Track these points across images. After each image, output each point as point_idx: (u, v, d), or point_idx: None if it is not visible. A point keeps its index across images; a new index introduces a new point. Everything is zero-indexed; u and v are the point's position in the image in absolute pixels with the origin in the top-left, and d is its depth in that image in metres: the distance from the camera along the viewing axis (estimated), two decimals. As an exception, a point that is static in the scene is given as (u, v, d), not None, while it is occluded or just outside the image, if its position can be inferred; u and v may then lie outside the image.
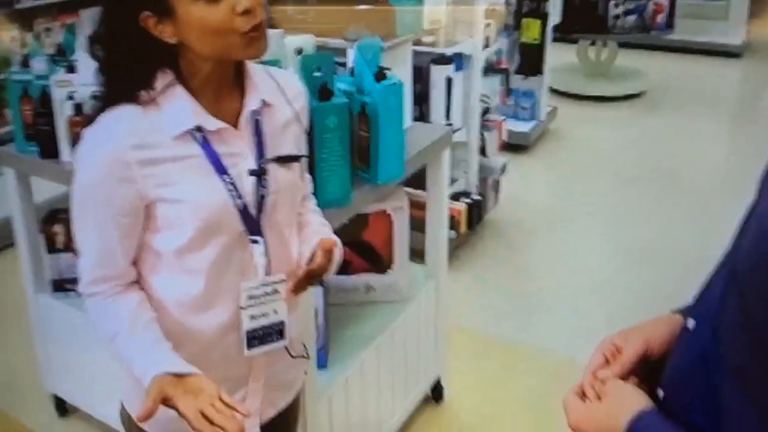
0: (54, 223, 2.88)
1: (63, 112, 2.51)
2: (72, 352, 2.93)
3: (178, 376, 1.44)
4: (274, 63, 2.16)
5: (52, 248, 2.91)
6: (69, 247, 2.87)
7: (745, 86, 7.95)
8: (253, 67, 1.60)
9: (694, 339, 1.04)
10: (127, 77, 1.49)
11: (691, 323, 1.06)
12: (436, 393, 3.25)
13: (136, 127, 1.47)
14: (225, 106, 1.55)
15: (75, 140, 2.46)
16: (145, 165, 1.47)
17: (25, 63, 2.68)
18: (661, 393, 1.09)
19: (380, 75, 2.31)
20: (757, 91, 7.62)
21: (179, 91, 1.49)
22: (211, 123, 1.51)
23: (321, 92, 2.17)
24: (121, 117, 1.48)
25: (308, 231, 1.76)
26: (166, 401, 1.41)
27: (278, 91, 1.63)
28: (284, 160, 1.62)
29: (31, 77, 2.60)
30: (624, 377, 1.15)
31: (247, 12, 1.41)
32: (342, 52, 2.66)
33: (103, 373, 2.49)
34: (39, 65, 2.61)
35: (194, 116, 1.49)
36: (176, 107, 1.49)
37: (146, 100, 1.48)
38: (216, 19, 1.41)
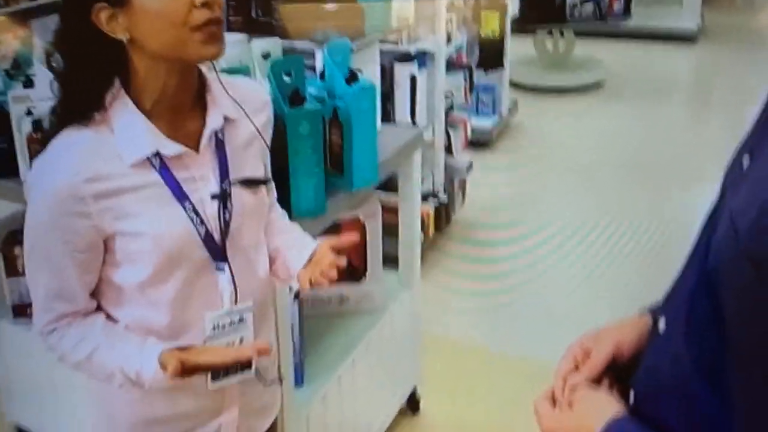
0: (14, 244, 2.76)
1: (21, 129, 2.40)
2: (35, 379, 2.81)
3: (181, 348, 1.42)
4: (242, 70, 2.08)
5: (11, 271, 2.78)
6: (31, 269, 2.76)
7: (700, 71, 8.03)
8: (213, 80, 1.50)
9: (665, 340, 1.02)
10: (78, 91, 1.40)
11: (661, 324, 1.04)
12: (413, 403, 3.18)
13: (89, 158, 1.37)
14: (184, 126, 1.45)
15: (34, 157, 2.35)
16: (101, 198, 1.38)
17: (-23, 78, 2.56)
18: (632, 394, 1.07)
19: (351, 78, 2.24)
20: (712, 76, 7.70)
21: (131, 110, 1.39)
22: (170, 148, 1.41)
23: (292, 98, 2.09)
24: (72, 146, 1.38)
25: (292, 236, 1.72)
26: (184, 365, 1.38)
27: (239, 106, 1.53)
28: (250, 183, 1.54)
29: (-14, 94, 2.48)
30: (595, 381, 1.12)
31: (205, 4, 1.32)
32: (310, 54, 2.58)
33: (68, 401, 2.40)
34: (-7, 81, 2.49)
35: (151, 141, 1.40)
36: (130, 130, 1.39)
37: (98, 121, 1.39)
38: (173, 10, 1.31)
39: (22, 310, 2.79)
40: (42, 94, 2.33)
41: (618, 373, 1.13)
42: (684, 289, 1.00)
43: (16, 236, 2.77)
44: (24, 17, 3.31)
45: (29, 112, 2.38)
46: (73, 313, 1.48)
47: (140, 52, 1.37)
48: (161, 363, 1.39)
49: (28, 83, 2.43)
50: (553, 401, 1.13)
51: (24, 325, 2.79)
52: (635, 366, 1.09)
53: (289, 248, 1.69)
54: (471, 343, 3.69)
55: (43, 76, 2.39)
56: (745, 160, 0.96)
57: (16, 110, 2.41)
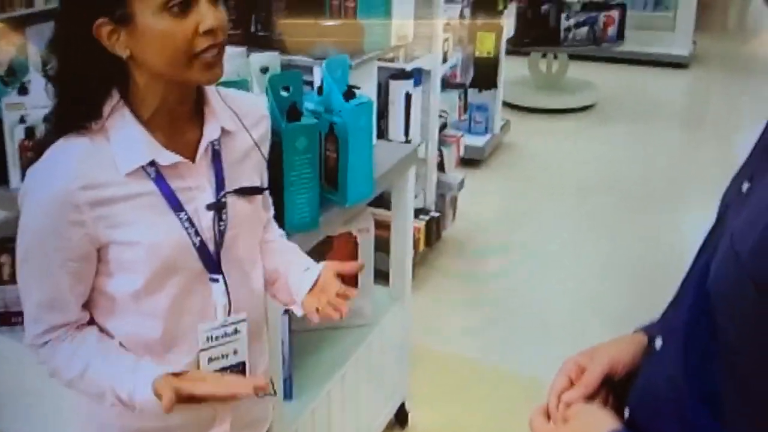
0: (0, 252, 2.73)
1: (13, 137, 2.38)
2: (22, 388, 2.78)
3: (176, 374, 1.39)
4: (241, 83, 2.07)
5: (-3, 279, 2.76)
6: (16, 278, 2.72)
7: (692, 96, 8.07)
8: (211, 92, 1.50)
9: (662, 359, 1.02)
10: (75, 100, 1.38)
11: (658, 342, 1.04)
12: (401, 417, 3.17)
13: (85, 165, 1.36)
14: (181, 136, 1.45)
15: (26, 165, 2.33)
16: (96, 206, 1.36)
17: (-29, 85, 2.53)
18: (627, 413, 1.07)
19: (349, 94, 2.24)
20: (704, 101, 7.74)
21: (129, 119, 1.38)
22: (166, 157, 1.40)
23: (290, 113, 2.08)
24: (68, 153, 1.37)
25: (292, 257, 1.72)
26: (179, 394, 1.35)
27: (237, 117, 1.53)
28: (245, 192, 1.53)
29: (-21, 100, 2.46)
30: (589, 399, 1.12)
31: (209, 32, 1.32)
32: (308, 69, 2.58)
33: (55, 410, 2.37)
34: (-13, 88, 2.47)
35: (147, 150, 1.39)
36: (127, 139, 1.38)
37: (95, 130, 1.37)
38: (177, 34, 1.30)
39: (6, 319, 2.76)
40: (36, 102, 2.31)
41: (612, 391, 1.13)
42: (681, 310, 1.00)
43: (3, 244, 2.74)
44: (19, 24, 3.30)
45: (22, 120, 2.36)
46: (64, 325, 1.46)
47: (140, 68, 1.37)
48: (155, 391, 1.37)
49: (23, 90, 2.41)
50: (548, 416, 1.12)
51: (8, 334, 2.76)
52: (630, 384, 1.09)
53: (289, 270, 1.69)
54: (459, 357, 3.68)
55: (38, 83, 2.37)
56: (745, 185, 0.96)
57: (9, 117, 2.39)
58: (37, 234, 1.40)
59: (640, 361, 1.11)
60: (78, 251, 1.39)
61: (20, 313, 2.71)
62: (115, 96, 1.38)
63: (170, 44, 1.31)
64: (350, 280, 2.73)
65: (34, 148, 2.30)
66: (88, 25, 1.32)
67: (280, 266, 1.70)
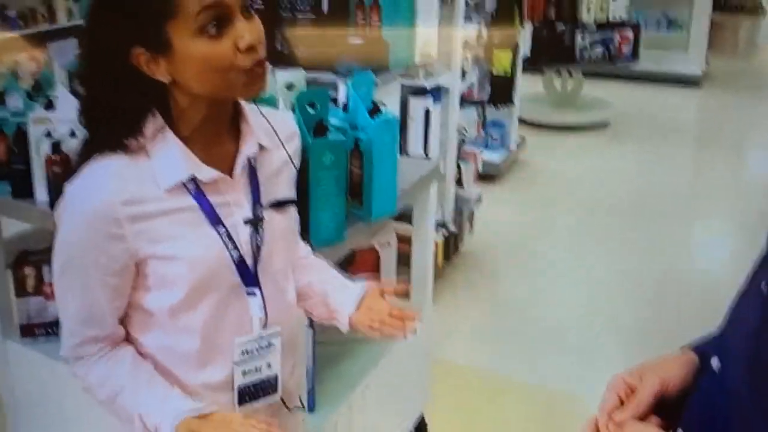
0: (24, 265, 2.74)
1: (39, 151, 2.39)
2: (41, 399, 2.79)
3: (202, 416, 1.39)
4: (269, 100, 2.08)
5: (20, 291, 2.76)
6: (39, 290, 2.73)
7: (705, 113, 8.09)
8: (248, 108, 1.50)
9: (722, 380, 1.00)
10: (113, 122, 1.37)
11: (714, 362, 1.02)
12: (421, 429, 3.16)
13: (125, 181, 1.36)
14: (218, 152, 1.44)
15: (51, 180, 2.34)
16: (136, 221, 1.36)
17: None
18: None
19: (374, 110, 2.25)
20: (716, 119, 7.75)
21: (170, 136, 1.38)
22: (205, 173, 1.40)
23: (316, 129, 2.09)
24: (109, 169, 1.36)
25: (328, 275, 1.75)
26: None
27: (272, 133, 1.53)
28: (280, 204, 1.54)
29: (7, 114, 2.48)
30: (640, 418, 1.09)
31: (249, 48, 1.31)
32: (332, 86, 2.59)
33: (76, 422, 2.37)
34: (14, 101, 2.49)
35: (187, 166, 1.39)
36: (167, 155, 1.38)
37: (135, 148, 1.37)
38: (218, 56, 1.29)
39: (30, 330, 2.77)
40: (62, 116, 2.32)
41: (662, 411, 1.11)
42: (744, 328, 0.98)
43: (26, 256, 2.76)
44: (43, 39, 3.33)
45: (48, 134, 2.37)
46: (100, 339, 1.46)
47: (182, 91, 1.36)
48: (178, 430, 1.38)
49: (49, 105, 2.43)
50: None
51: (31, 345, 2.77)
52: (680, 404, 1.07)
53: (327, 287, 1.72)
54: (477, 370, 3.69)
55: (64, 98, 2.39)
56: None
57: (35, 132, 2.39)
58: (77, 248, 1.39)
59: (692, 380, 1.09)
60: (117, 266, 1.39)
61: (43, 325, 2.77)
62: (158, 117, 1.38)
63: (211, 66, 1.30)
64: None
65: (61, 163, 2.31)
66: (125, 54, 1.31)
67: (315, 283, 1.72)
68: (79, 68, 1.40)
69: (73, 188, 1.39)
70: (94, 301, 1.42)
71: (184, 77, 1.33)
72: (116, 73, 1.34)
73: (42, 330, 2.76)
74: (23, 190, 2.47)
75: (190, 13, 1.27)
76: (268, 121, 1.53)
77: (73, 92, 2.12)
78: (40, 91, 2.58)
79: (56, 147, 2.35)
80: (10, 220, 2.73)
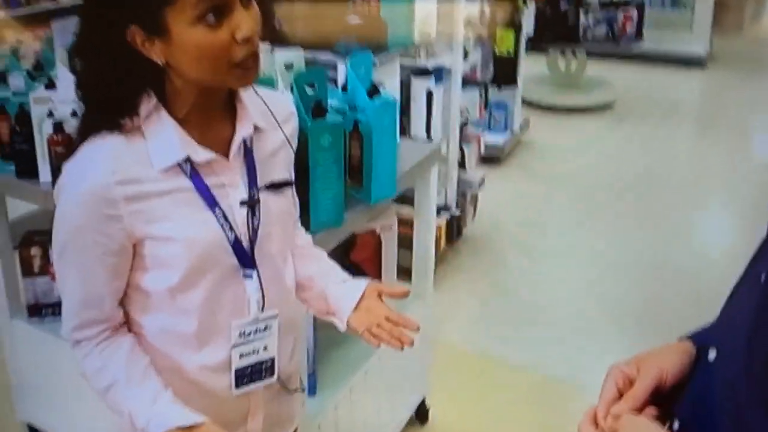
0: (31, 245, 2.76)
1: (42, 131, 2.40)
2: (48, 378, 2.82)
3: (190, 428, 1.40)
4: (267, 81, 2.09)
5: (27, 271, 2.79)
6: (45, 270, 2.76)
7: (709, 95, 8.05)
8: (244, 90, 1.49)
9: (717, 370, 1.00)
10: (109, 100, 1.38)
11: (712, 354, 1.02)
12: (421, 413, 3.19)
13: (121, 161, 1.36)
14: (214, 133, 1.45)
15: (54, 159, 2.36)
16: (132, 201, 1.37)
17: (1, 78, 2.56)
18: (677, 425, 1.05)
19: (373, 91, 2.24)
20: (721, 100, 7.72)
21: (165, 117, 1.39)
22: (200, 154, 1.41)
23: (315, 110, 2.09)
24: (104, 149, 1.37)
25: (326, 267, 1.76)
26: None
27: (269, 114, 1.54)
28: (276, 186, 1.54)
29: (8, 94, 2.49)
30: (638, 409, 1.10)
31: (246, 40, 1.31)
32: (331, 66, 2.59)
33: (81, 400, 2.39)
34: (16, 81, 2.50)
35: (182, 147, 1.39)
36: (162, 136, 1.38)
37: (130, 128, 1.37)
38: (214, 45, 1.30)
39: (37, 310, 2.80)
40: (64, 96, 2.32)
41: (659, 401, 1.11)
42: (741, 319, 0.98)
43: (32, 237, 2.78)
44: (45, 18, 3.32)
45: (50, 114, 2.38)
46: (98, 321, 1.47)
47: (175, 73, 1.37)
48: None
49: (50, 85, 2.43)
50: (596, 424, 1.11)
51: (38, 325, 2.80)
52: (677, 394, 1.08)
53: (327, 282, 1.71)
54: (479, 354, 3.69)
55: (65, 77, 2.39)
56: None
57: (37, 111, 2.41)
58: (74, 228, 1.40)
59: (689, 371, 1.10)
60: (114, 246, 1.40)
61: (50, 305, 2.79)
62: (152, 97, 1.39)
63: (207, 55, 1.31)
64: (373, 276, 2.77)
65: (63, 143, 2.33)
66: (121, 31, 1.31)
67: (316, 275, 1.71)
68: (76, 43, 1.39)
69: (69, 169, 1.40)
70: (92, 282, 1.43)
71: (179, 63, 1.34)
72: (111, 50, 1.34)
73: (48, 310, 2.79)
74: (27, 169, 2.49)
75: (189, 1, 1.28)
76: (264, 101, 1.53)
77: (73, 72, 2.11)
78: (41, 71, 2.59)
79: (58, 127, 2.36)
80: (15, 202, 2.75)
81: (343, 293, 1.68)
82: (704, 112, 7.58)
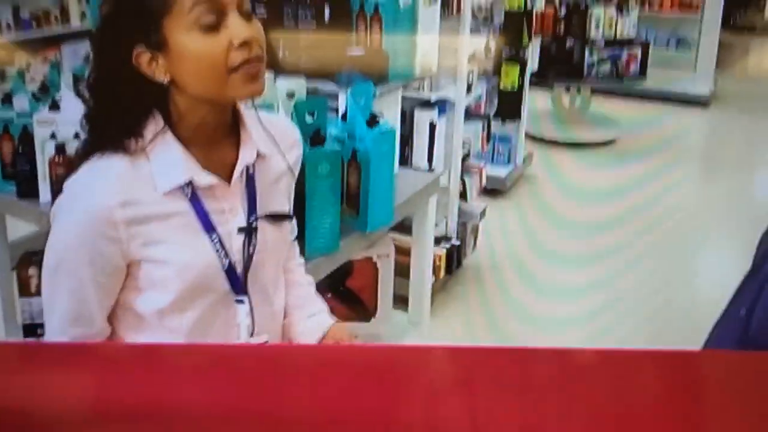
0: (28, 265, 2.78)
1: (44, 152, 2.43)
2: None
3: None
4: (267, 108, 2.11)
5: (24, 291, 2.81)
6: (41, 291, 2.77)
7: (712, 134, 8.08)
8: (248, 114, 1.50)
9: None
10: (114, 122, 1.39)
11: None
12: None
13: (124, 182, 1.37)
14: (217, 158, 1.45)
15: (55, 181, 2.38)
16: (132, 224, 1.37)
17: (6, 99, 2.59)
18: None
19: (373, 121, 2.27)
20: (723, 140, 7.74)
21: (170, 140, 1.39)
22: (203, 178, 1.41)
23: (313, 138, 2.12)
24: (107, 170, 1.37)
25: (303, 294, 1.73)
26: None
27: (273, 142, 1.54)
28: (276, 218, 1.54)
29: (13, 115, 2.52)
30: None
31: (244, 44, 1.32)
32: (333, 95, 2.62)
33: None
34: (21, 102, 2.53)
35: (185, 170, 1.40)
36: (167, 159, 1.39)
37: (134, 150, 1.38)
38: (211, 51, 1.31)
39: (32, 331, 2.81)
40: (67, 118, 2.36)
41: None
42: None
43: (30, 257, 2.80)
44: (55, 41, 3.37)
45: (53, 136, 2.41)
46: (87, 337, 1.47)
47: (181, 92, 1.38)
48: None
49: (54, 106, 2.47)
50: None
51: (33, 345, 2.80)
52: None
53: (296, 314, 1.71)
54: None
55: (69, 100, 2.42)
56: None
57: (40, 133, 2.44)
58: (71, 247, 1.40)
59: None
60: (109, 266, 1.40)
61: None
62: (159, 120, 1.40)
63: (205, 61, 1.32)
64: (370, 303, 2.79)
65: (64, 165, 2.35)
66: (128, 55, 1.34)
67: (290, 306, 1.71)
68: (89, 72, 1.41)
69: (70, 187, 1.40)
70: (84, 301, 1.43)
71: (181, 75, 1.35)
72: (119, 74, 1.36)
73: (44, 330, 2.79)
74: (28, 190, 2.52)
75: (184, 8, 1.30)
76: (267, 128, 1.53)
77: (78, 95, 2.14)
78: (46, 93, 2.63)
79: (60, 149, 2.39)
80: (15, 224, 2.78)
81: (305, 330, 1.68)
82: (707, 150, 7.61)
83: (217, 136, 1.46)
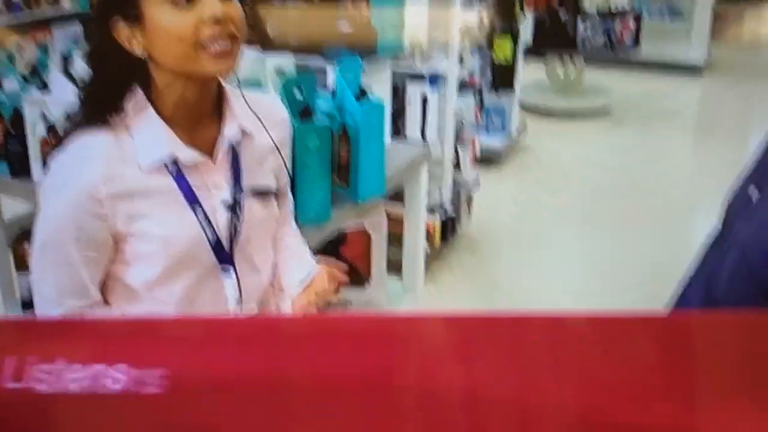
0: (24, 240, 2.81)
1: (35, 132, 2.45)
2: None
3: None
4: (256, 85, 2.14)
5: (21, 266, 2.84)
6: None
7: (706, 102, 8.07)
8: (233, 92, 1.52)
9: None
10: (97, 96, 1.42)
11: None
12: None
13: (108, 159, 1.38)
14: (201, 134, 1.47)
15: (47, 160, 2.41)
16: (117, 200, 1.39)
17: (-3, 82, 2.61)
18: None
19: (361, 95, 2.29)
20: (717, 108, 7.73)
21: (152, 115, 1.41)
22: (186, 155, 1.43)
23: (302, 113, 2.14)
24: (91, 146, 1.39)
25: (295, 255, 1.74)
26: None
27: (258, 120, 1.55)
28: (260, 193, 1.56)
29: (3, 96, 2.54)
30: None
31: (216, 21, 1.33)
32: (322, 71, 2.64)
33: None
34: (11, 84, 2.55)
35: (168, 146, 1.42)
36: (149, 135, 1.41)
37: (116, 125, 1.40)
38: (182, 25, 1.32)
39: (31, 304, 2.83)
40: (57, 99, 2.38)
41: None
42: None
43: (26, 235, 2.83)
44: (46, 23, 3.38)
45: (44, 116, 2.43)
46: (83, 307, 1.49)
47: (158, 66, 1.40)
48: None
49: (44, 87, 2.48)
50: None
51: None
52: None
53: (285, 262, 1.73)
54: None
55: (58, 81, 2.44)
56: (753, 193, 0.96)
57: (30, 113, 2.46)
58: (59, 224, 1.42)
59: None
60: (97, 242, 1.43)
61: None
62: (138, 93, 1.42)
63: (175, 35, 1.33)
64: (363, 270, 2.83)
65: (55, 144, 2.37)
66: (108, 28, 1.36)
67: (281, 260, 1.73)
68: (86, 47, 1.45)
69: (56, 164, 1.43)
70: (75, 274, 1.45)
71: (156, 50, 1.36)
72: (102, 48, 1.39)
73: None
74: (21, 170, 2.54)
75: None
76: (251, 106, 1.54)
77: (67, 75, 2.16)
78: (36, 75, 2.64)
79: (51, 129, 2.41)
80: (11, 203, 2.80)
81: (295, 275, 1.70)
82: (701, 119, 7.60)
83: (199, 113, 1.47)
